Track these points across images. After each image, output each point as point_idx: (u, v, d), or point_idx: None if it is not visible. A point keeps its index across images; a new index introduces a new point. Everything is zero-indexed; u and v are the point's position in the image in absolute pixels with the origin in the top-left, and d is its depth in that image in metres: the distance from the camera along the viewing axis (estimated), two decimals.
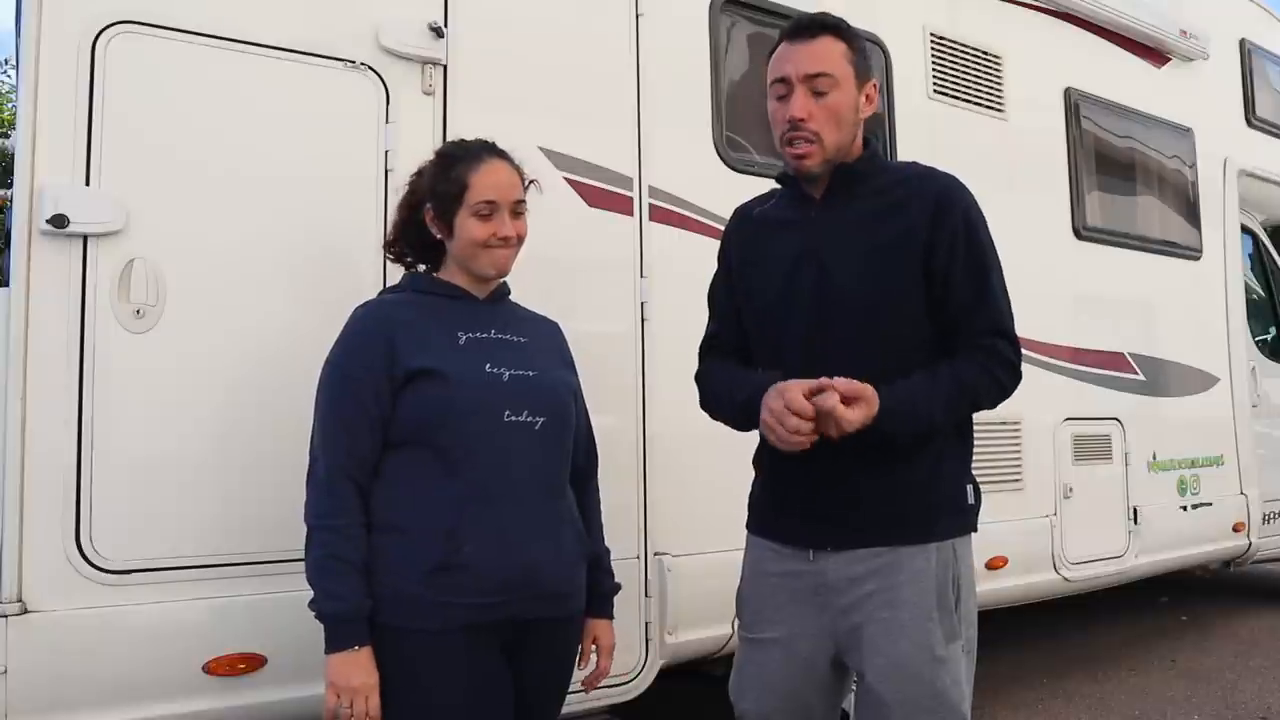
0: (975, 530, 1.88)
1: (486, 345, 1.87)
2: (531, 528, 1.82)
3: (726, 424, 1.95)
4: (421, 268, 2.04)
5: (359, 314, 1.90)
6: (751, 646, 1.92)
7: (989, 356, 1.80)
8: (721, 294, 2.04)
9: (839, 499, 1.81)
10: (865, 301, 1.79)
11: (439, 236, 1.94)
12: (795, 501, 1.86)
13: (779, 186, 2.00)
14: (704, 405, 2.00)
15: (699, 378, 2.03)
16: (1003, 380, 1.81)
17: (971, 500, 1.87)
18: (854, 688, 1.95)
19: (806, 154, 1.81)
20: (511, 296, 2.04)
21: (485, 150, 1.94)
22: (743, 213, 2.06)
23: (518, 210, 1.93)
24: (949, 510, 1.83)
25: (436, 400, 1.78)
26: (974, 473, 1.91)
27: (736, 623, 1.98)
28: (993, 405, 1.84)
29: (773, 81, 1.85)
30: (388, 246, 2.08)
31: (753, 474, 1.99)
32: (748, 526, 1.99)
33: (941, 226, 1.79)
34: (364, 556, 1.75)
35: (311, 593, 1.74)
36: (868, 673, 1.77)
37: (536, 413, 1.85)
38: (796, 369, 1.76)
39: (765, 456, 1.95)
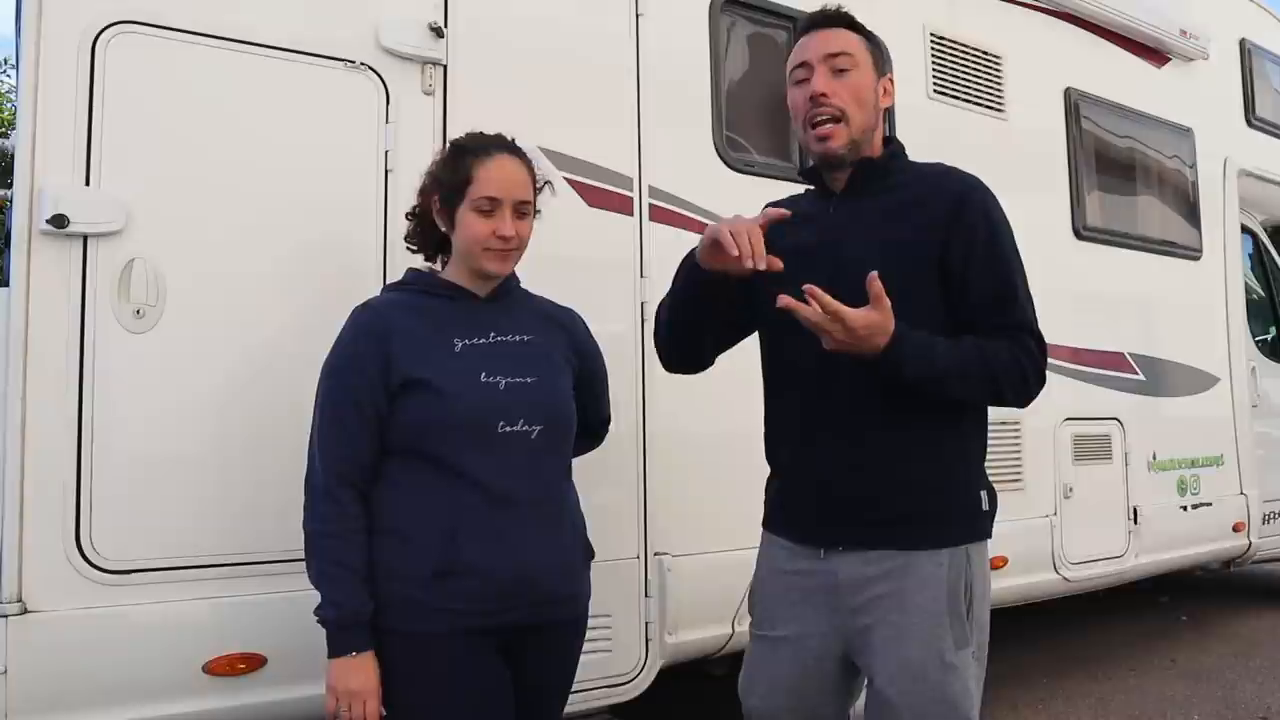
0: (989, 536, 1.86)
1: (483, 352, 1.84)
2: (531, 533, 1.81)
3: (676, 323, 1.92)
4: (424, 264, 2.02)
5: (355, 318, 1.87)
6: (761, 644, 1.91)
7: (1016, 345, 1.77)
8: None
9: (852, 498, 1.80)
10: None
11: (444, 229, 1.91)
12: (809, 499, 1.86)
13: (803, 187, 1.99)
14: (656, 332, 1.97)
15: (655, 324, 1.99)
16: (1026, 371, 1.77)
17: (986, 506, 1.86)
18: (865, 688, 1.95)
19: (831, 133, 1.80)
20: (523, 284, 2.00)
21: (497, 145, 1.89)
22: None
23: (521, 211, 1.86)
24: (964, 515, 1.83)
25: (431, 411, 1.77)
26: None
27: (748, 619, 1.97)
28: (1014, 398, 1.79)
29: (793, 69, 1.86)
30: (408, 238, 2.03)
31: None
32: (763, 523, 1.98)
33: (959, 224, 1.79)
34: (365, 561, 1.74)
35: (315, 596, 1.74)
36: (877, 676, 1.77)
37: (533, 421, 1.82)
38: (813, 359, 1.74)
39: (780, 454, 1.94)
